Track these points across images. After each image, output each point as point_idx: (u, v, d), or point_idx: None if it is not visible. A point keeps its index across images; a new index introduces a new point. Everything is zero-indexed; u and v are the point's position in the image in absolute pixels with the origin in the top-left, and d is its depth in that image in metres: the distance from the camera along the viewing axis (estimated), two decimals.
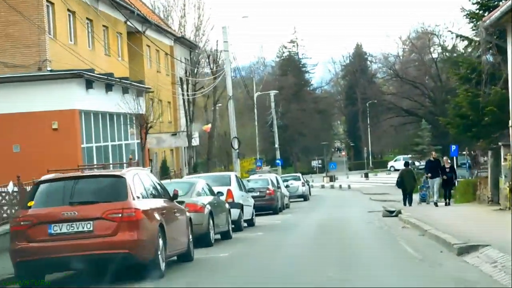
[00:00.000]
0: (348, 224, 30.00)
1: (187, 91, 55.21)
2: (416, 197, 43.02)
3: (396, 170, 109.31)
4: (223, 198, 25.25)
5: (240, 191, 28.83)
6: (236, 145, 49.71)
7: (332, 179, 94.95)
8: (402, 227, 26.19)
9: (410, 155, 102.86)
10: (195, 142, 60.89)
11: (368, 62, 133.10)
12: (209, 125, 58.37)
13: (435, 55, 77.34)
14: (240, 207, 27.95)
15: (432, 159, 36.89)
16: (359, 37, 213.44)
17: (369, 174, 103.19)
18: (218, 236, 24.09)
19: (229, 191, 27.49)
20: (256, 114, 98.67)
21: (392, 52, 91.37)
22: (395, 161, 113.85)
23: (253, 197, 39.42)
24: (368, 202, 54.98)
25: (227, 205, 24.61)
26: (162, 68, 65.75)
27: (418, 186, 43.96)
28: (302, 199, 60.03)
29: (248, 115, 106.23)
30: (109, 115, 45.80)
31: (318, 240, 23.12)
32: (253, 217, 30.83)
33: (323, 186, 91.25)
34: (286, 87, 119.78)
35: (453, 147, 56.85)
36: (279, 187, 44.05)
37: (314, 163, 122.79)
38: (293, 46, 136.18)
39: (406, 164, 42.93)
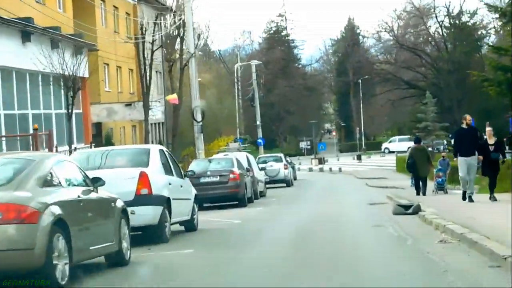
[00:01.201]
0: (344, 231, 18.27)
1: (144, 51, 43.34)
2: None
3: (391, 152, 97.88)
4: (117, 189, 13.55)
5: (166, 175, 17.01)
6: (198, 117, 38.03)
7: (321, 161, 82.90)
8: (441, 242, 14.46)
9: (408, 136, 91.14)
10: (156, 115, 49.00)
11: (361, 37, 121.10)
12: (175, 96, 46.42)
13: (440, 18, 65.36)
14: (164, 203, 16.23)
15: (465, 126, 22.70)
16: (352, 12, 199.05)
17: (362, 157, 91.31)
18: (100, 260, 12.41)
19: (142, 176, 15.79)
20: (240, 91, 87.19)
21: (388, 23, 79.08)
22: (390, 142, 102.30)
23: (212, 183, 27.98)
24: (365, 189, 43.38)
25: (118, 204, 12.78)
26: (122, 29, 53.92)
27: (434, 170, 32.20)
28: (284, 184, 48.30)
29: (231, 91, 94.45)
30: (29, 75, 34.16)
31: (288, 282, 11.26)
32: (195, 216, 19.12)
33: (311, 169, 79.41)
34: (272, 62, 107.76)
35: None
36: (248, 170, 32.22)
37: (302, 144, 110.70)
38: (281, 20, 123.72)
39: (417, 140, 31.12)
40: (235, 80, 76.57)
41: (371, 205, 27.52)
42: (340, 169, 73.28)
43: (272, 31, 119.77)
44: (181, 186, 17.92)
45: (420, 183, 29.94)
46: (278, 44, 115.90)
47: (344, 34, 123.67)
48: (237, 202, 29.05)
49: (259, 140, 66.84)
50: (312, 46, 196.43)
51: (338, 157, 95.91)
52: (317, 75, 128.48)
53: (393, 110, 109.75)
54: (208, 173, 28.61)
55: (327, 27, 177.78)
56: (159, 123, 62.34)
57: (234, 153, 34.81)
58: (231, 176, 28.60)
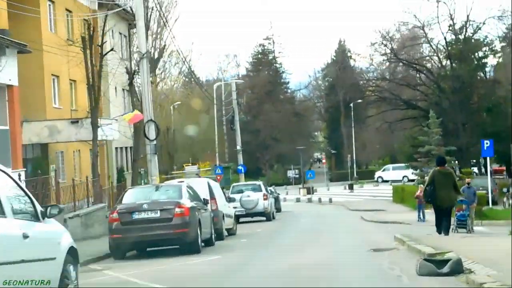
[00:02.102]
0: None
1: (91, 56, 34.63)
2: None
3: (384, 181, 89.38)
4: None
5: None
6: (152, 134, 29.33)
7: (309, 191, 74.17)
8: None
9: (405, 164, 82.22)
10: (111, 135, 40.21)
11: (352, 61, 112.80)
12: (136, 112, 37.50)
13: (444, 28, 56.15)
14: None
15: None
16: (343, 36, 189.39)
17: (354, 186, 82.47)
18: None
19: None
20: (224, 116, 78.60)
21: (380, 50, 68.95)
22: (383, 170, 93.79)
23: (149, 220, 19.31)
24: (362, 224, 34.67)
25: None
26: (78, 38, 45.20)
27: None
28: (263, 218, 39.46)
29: (213, 116, 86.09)
30: None
31: None
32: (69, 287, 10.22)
33: (298, 200, 70.67)
34: (258, 85, 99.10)
35: (486, 143, 36.38)
36: (207, 202, 23.33)
37: (290, 173, 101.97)
38: (269, 43, 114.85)
39: (441, 161, 21.94)
40: (214, 101, 67.90)
41: (375, 252, 18.79)
42: (330, 200, 64.72)
43: (259, 55, 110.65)
44: (26, 237, 9.04)
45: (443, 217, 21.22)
46: (264, 67, 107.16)
47: (334, 58, 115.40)
48: (185, 249, 20.26)
49: (240, 167, 58.00)
50: (301, 73, 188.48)
51: (328, 186, 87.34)
52: (306, 101, 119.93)
53: (386, 136, 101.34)
54: (145, 206, 19.77)
55: (316, 53, 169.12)
56: (126, 147, 53.64)
57: (191, 179, 26.03)
58: (177, 210, 19.74)
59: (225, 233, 27.00)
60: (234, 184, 41.62)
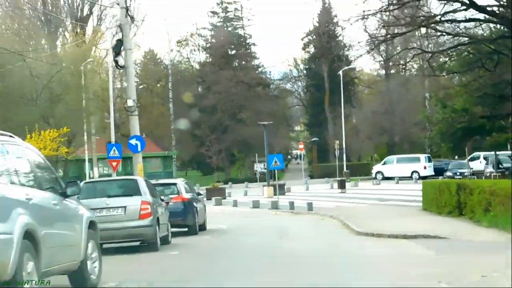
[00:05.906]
0: None
1: None
2: None
3: (386, 178, 58.87)
4: None
5: None
6: None
7: (276, 190, 42.25)
8: None
9: (412, 154, 51.12)
10: None
11: (340, 28, 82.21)
12: None
13: None
14: None
15: None
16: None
17: (346, 184, 51.05)
18: None
19: None
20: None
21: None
22: (384, 164, 62.77)
23: None
24: None
25: None
26: None
27: None
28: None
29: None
30: None
31: None
32: None
33: (257, 205, 39.16)
34: (214, 47, 67.47)
35: None
36: None
37: (257, 167, 70.51)
38: (236, 9, 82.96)
39: None
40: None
41: None
42: (310, 205, 33.46)
43: (220, 7, 77.65)
44: None
45: None
46: (225, 23, 74.75)
47: (318, 23, 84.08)
48: None
49: (133, 142, 26.39)
50: (276, 63, 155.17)
51: (307, 184, 56.27)
52: (281, 79, 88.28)
53: (384, 119, 71.94)
54: None
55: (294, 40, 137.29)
56: None
57: None
58: None
59: None
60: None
